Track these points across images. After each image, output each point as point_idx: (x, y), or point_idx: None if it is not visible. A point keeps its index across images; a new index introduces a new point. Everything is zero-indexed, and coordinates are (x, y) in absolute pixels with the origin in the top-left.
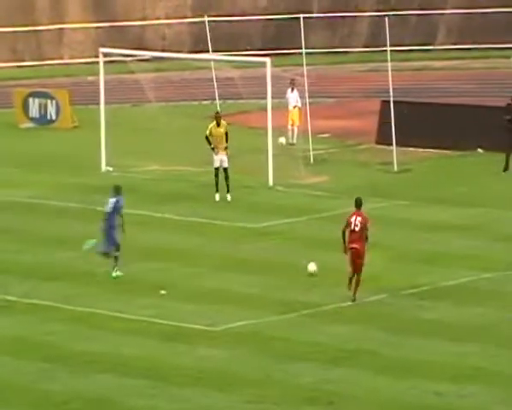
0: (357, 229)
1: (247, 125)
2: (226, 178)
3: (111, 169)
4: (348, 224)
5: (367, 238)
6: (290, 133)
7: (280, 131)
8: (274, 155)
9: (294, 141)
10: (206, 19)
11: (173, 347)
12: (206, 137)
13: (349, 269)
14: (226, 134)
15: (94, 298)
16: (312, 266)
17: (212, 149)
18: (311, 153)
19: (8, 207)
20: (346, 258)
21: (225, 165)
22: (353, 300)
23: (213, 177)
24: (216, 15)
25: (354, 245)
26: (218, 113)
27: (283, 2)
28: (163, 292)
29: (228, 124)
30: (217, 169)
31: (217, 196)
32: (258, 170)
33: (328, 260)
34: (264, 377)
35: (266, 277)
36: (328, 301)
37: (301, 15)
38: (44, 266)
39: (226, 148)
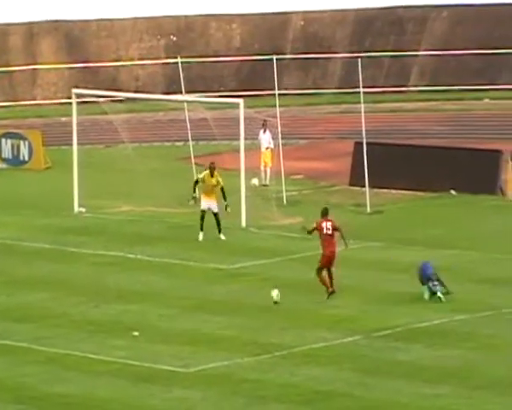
0: (329, 232)
1: (220, 166)
2: (217, 222)
3: (84, 210)
4: (320, 228)
5: (343, 237)
6: (263, 174)
7: (253, 172)
8: (247, 197)
9: (267, 182)
10: (180, 60)
11: (147, 388)
12: (196, 182)
13: (324, 273)
14: (222, 189)
15: (67, 339)
16: (275, 292)
17: (193, 197)
18: (284, 194)
19: None
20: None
21: (215, 210)
22: (333, 291)
23: (199, 219)
24: (189, 57)
25: (331, 248)
26: (212, 163)
27: (257, 44)
28: (135, 333)
29: (199, 165)
30: (203, 211)
31: (200, 236)
32: (231, 211)
33: (301, 301)
34: None
35: (239, 318)
36: (301, 342)
37: (274, 56)
38: (17, 308)
39: (226, 206)
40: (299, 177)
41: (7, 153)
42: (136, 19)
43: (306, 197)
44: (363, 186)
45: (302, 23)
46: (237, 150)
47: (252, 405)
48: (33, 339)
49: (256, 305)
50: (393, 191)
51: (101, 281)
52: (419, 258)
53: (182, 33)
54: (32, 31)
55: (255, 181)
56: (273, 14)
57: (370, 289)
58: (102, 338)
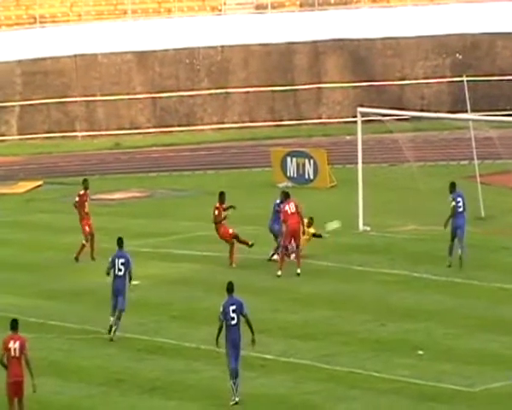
0: (293, 210)
1: (507, 185)
2: None
3: (368, 228)
4: (284, 211)
5: (302, 218)
6: None
7: None
8: None
9: None
10: (465, 79)
11: (430, 407)
12: None
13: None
14: None
15: (352, 357)
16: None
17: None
18: None
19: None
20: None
21: None
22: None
23: None
24: (475, 75)
25: (294, 226)
26: None
27: None
28: (420, 352)
29: (485, 184)
30: None
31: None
32: None
33: None
34: None
35: None
36: None
37: None
38: (302, 325)
39: None
40: None
41: (292, 171)
42: (420, 37)
43: None
44: None
45: None
46: None
47: None
48: (317, 357)
49: None
50: None
51: (386, 299)
52: None
53: (468, 51)
54: (317, 49)
55: None
56: None
57: None
58: (387, 356)
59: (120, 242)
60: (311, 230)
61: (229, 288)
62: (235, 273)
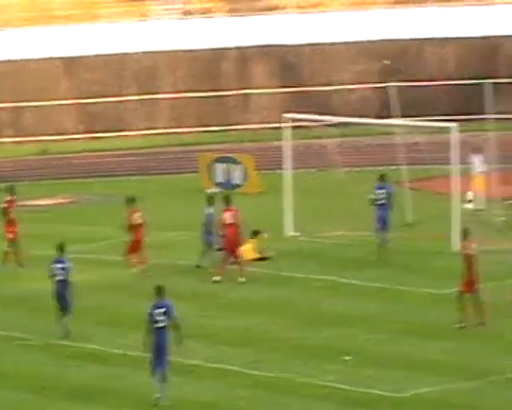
0: (232, 221)
1: (433, 190)
2: None
3: (297, 234)
4: (221, 221)
5: (240, 226)
6: (476, 198)
7: (466, 196)
8: (460, 221)
9: (481, 206)
10: (392, 84)
11: None
12: None
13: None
14: None
15: (281, 364)
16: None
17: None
18: (499, 218)
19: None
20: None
21: None
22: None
23: None
24: (403, 81)
25: (231, 236)
26: None
27: (471, 68)
28: (347, 358)
29: (413, 189)
30: None
31: None
32: (444, 235)
33: None
34: None
35: (452, 342)
36: None
37: (488, 81)
38: (233, 332)
39: None
40: None
41: (220, 177)
42: (348, 43)
43: None
44: None
45: None
46: (450, 175)
47: None
48: (246, 363)
49: (469, 330)
50: None
51: (315, 305)
52: None
53: (395, 57)
54: (244, 55)
55: (469, 205)
56: (487, 37)
57: None
58: (316, 363)
59: (61, 247)
60: (252, 251)
61: (158, 291)
62: (162, 279)
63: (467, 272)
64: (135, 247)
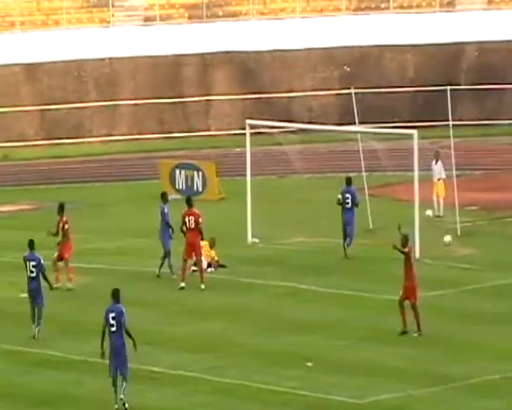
0: (192, 226)
1: (394, 197)
2: None
3: (257, 241)
4: (184, 222)
5: (201, 232)
6: (436, 205)
7: (427, 203)
8: (421, 228)
9: (441, 213)
10: (353, 91)
11: None
12: None
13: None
14: None
15: (240, 370)
16: (448, 238)
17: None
18: (458, 225)
19: (148, 277)
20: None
21: None
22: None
23: None
24: (363, 87)
25: (191, 239)
26: None
27: (431, 74)
28: (309, 364)
29: (373, 196)
30: None
31: None
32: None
33: (474, 332)
34: None
35: (413, 349)
36: (476, 373)
37: (449, 87)
38: (191, 338)
39: None
40: (473, 208)
41: (181, 184)
42: (309, 49)
43: (481, 228)
44: None
45: (476, 54)
46: (410, 181)
47: None
48: (206, 369)
49: (429, 336)
50: None
51: (274, 312)
52: None
53: (356, 64)
54: (205, 62)
55: (429, 212)
56: (447, 44)
57: None
58: (276, 369)
59: (31, 244)
60: (213, 252)
61: (114, 294)
62: (123, 285)
63: (406, 278)
64: (63, 255)
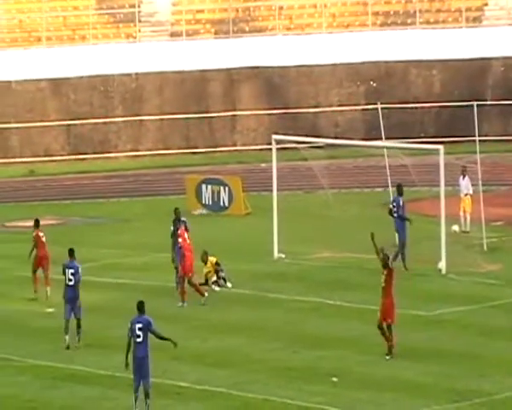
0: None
1: (421, 212)
2: None
3: (283, 256)
4: (183, 239)
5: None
6: (462, 221)
7: (453, 218)
8: (447, 243)
9: (468, 229)
10: (380, 106)
11: None
12: None
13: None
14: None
15: (265, 385)
16: (455, 227)
17: None
18: (485, 241)
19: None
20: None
21: None
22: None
23: None
24: (389, 102)
25: (187, 253)
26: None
27: (456, 90)
28: (334, 379)
29: None
30: None
31: None
32: (431, 258)
33: (500, 348)
34: None
35: (438, 365)
36: (501, 390)
37: (475, 103)
38: (214, 353)
39: None
40: (499, 223)
41: (207, 199)
42: (335, 65)
43: (507, 244)
44: None
45: (502, 69)
46: (437, 197)
47: None
48: (231, 384)
49: (455, 352)
50: None
51: (299, 327)
52: None
53: (382, 79)
54: (231, 77)
55: (455, 227)
56: (473, 60)
57: None
58: (300, 384)
59: (71, 252)
60: (205, 269)
61: (139, 306)
62: (146, 300)
63: (384, 295)
64: (39, 263)
